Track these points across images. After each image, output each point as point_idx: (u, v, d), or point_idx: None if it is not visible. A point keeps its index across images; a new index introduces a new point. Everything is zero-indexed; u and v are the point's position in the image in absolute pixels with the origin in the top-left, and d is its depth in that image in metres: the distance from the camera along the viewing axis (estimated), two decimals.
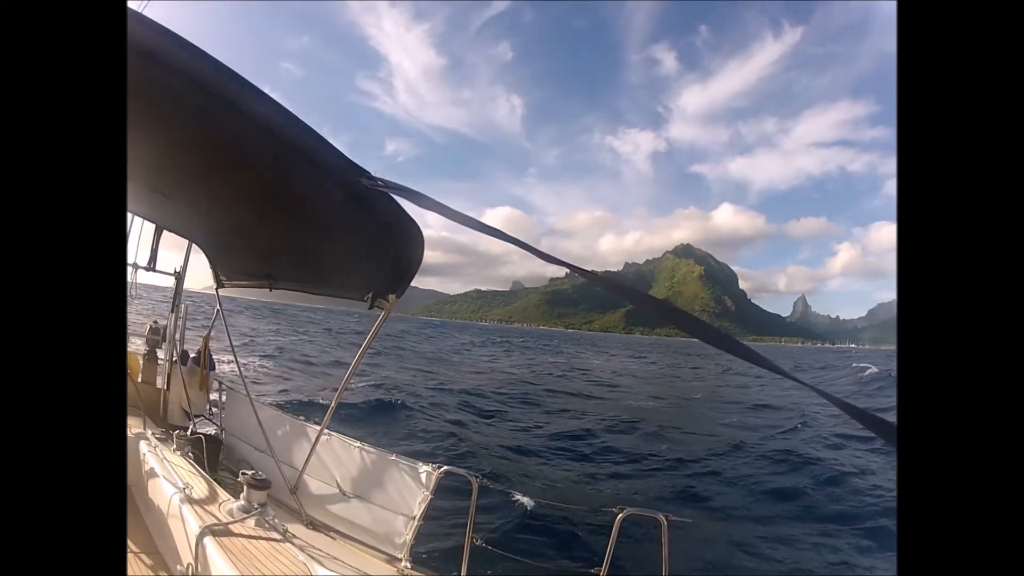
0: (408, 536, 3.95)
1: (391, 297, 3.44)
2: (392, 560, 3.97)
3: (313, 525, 4.35)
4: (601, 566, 3.49)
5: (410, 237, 3.02)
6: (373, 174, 2.43)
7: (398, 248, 3.14)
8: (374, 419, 14.07)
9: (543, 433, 14.93)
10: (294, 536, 3.42)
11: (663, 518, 3.33)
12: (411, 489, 4.05)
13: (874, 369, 41.36)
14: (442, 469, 3.97)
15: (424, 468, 4.02)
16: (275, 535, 3.30)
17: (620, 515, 3.44)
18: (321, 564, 3.04)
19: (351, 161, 2.46)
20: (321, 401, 14.81)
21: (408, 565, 3.88)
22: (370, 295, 3.45)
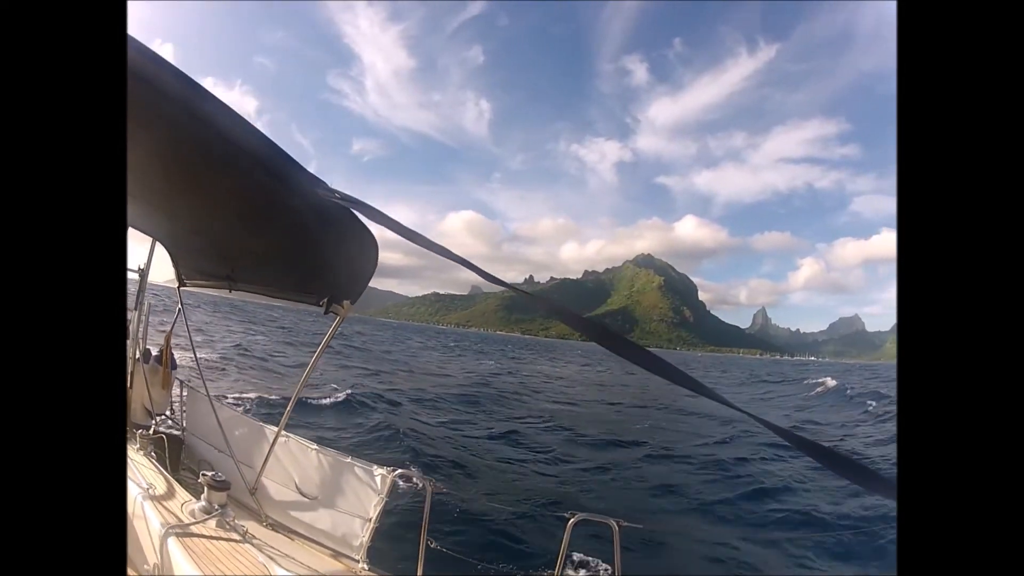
0: (364, 537, 4.13)
1: (346, 303, 3.72)
2: (349, 561, 4.12)
3: (272, 526, 4.48)
4: (554, 569, 3.67)
5: (364, 246, 3.22)
6: (330, 185, 2.49)
7: (352, 256, 3.38)
8: (318, 415, 14.58)
9: (474, 430, 15.80)
10: (254, 537, 3.54)
11: (614, 523, 3.46)
12: (366, 491, 4.24)
13: (831, 382, 40.96)
14: (395, 472, 4.15)
15: (378, 471, 4.21)
16: (235, 536, 3.42)
17: (571, 520, 3.60)
18: (280, 565, 3.17)
19: (308, 172, 2.56)
20: (248, 396, 15.16)
21: (365, 566, 4.04)
22: (325, 300, 3.73)
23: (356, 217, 2.78)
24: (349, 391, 17.72)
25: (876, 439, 18.77)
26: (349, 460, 4.40)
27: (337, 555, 4.21)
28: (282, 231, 3.41)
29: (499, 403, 22.25)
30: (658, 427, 19.49)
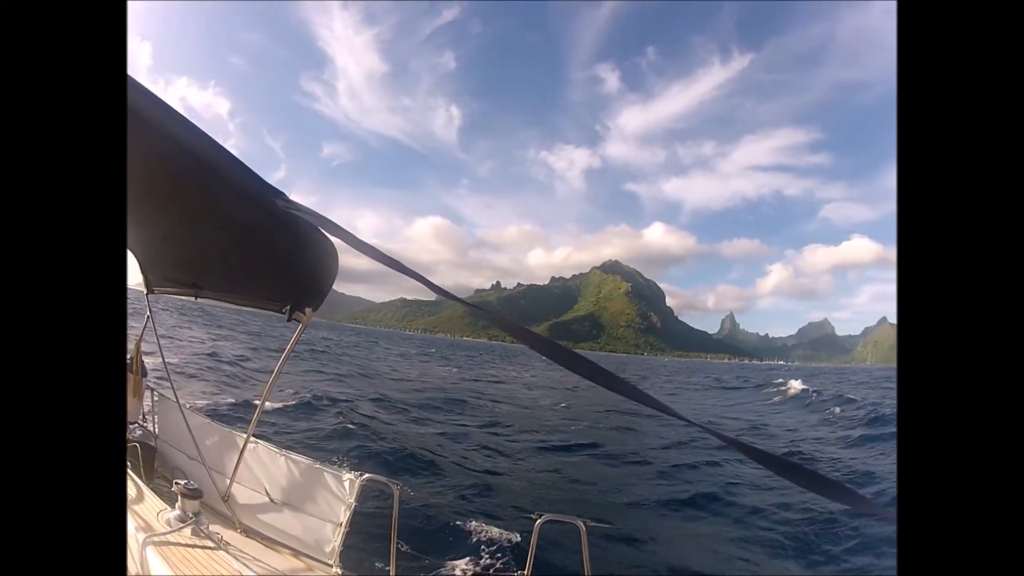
0: (336, 542, 4.24)
1: (308, 311, 3.92)
2: (323, 566, 4.23)
3: (246, 532, 4.57)
4: (524, 569, 3.82)
5: (323, 255, 3.45)
6: (300, 188, 2.70)
7: (312, 265, 3.59)
8: (281, 416, 14.72)
9: (427, 428, 16.52)
10: (229, 544, 3.67)
11: (582, 524, 3.64)
12: (335, 496, 4.37)
13: (797, 388, 39.33)
14: (364, 477, 4.29)
15: (347, 476, 4.36)
16: (210, 543, 3.52)
17: (538, 521, 3.75)
18: (256, 573, 3.29)
19: (268, 184, 2.69)
20: (214, 400, 15.25)
21: (339, 571, 4.16)
22: (288, 308, 3.95)
23: (316, 227, 2.89)
24: (310, 393, 18.12)
25: (830, 443, 19.11)
26: (318, 466, 4.52)
27: (310, 560, 4.29)
28: (243, 241, 3.59)
29: (457, 405, 22.76)
30: (595, 427, 20.17)
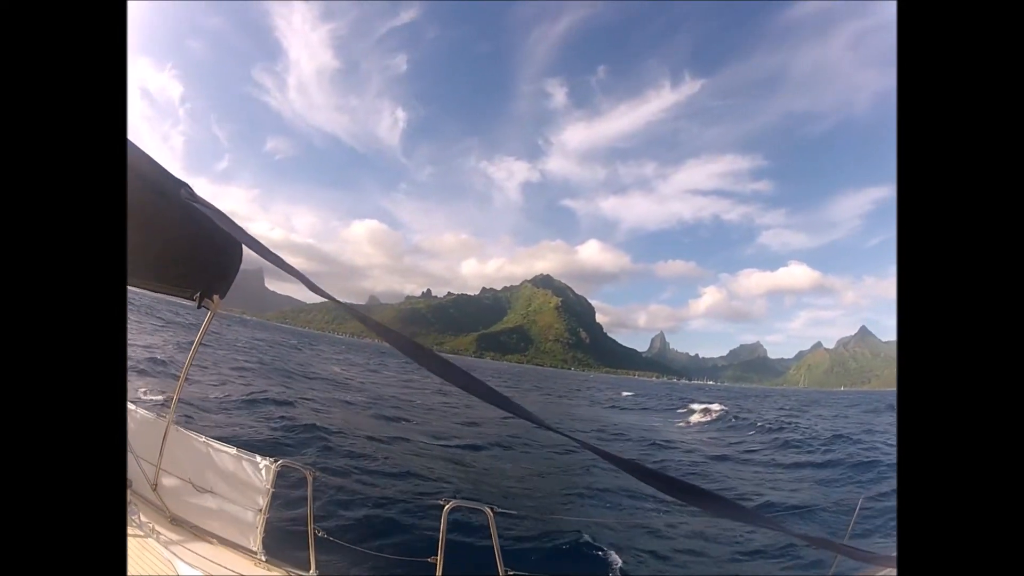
0: (258, 529, 4.35)
1: (215, 298, 4.28)
2: (248, 553, 4.32)
3: (175, 521, 4.65)
4: (436, 554, 3.94)
5: (226, 245, 3.77)
6: (193, 190, 2.86)
7: (215, 254, 3.92)
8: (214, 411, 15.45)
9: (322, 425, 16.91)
10: (159, 533, 3.81)
11: (489, 510, 3.80)
12: (254, 483, 4.51)
13: (700, 412, 38.35)
14: (278, 463, 4.43)
15: (263, 462, 4.49)
16: (140, 533, 3.64)
17: (447, 507, 3.91)
18: (183, 560, 3.44)
19: (172, 176, 2.88)
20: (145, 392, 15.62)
21: (263, 558, 4.25)
22: (197, 295, 4.27)
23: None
24: (244, 392, 19.39)
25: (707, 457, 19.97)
26: (235, 452, 4.64)
27: (235, 547, 4.42)
28: (151, 230, 3.72)
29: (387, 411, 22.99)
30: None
